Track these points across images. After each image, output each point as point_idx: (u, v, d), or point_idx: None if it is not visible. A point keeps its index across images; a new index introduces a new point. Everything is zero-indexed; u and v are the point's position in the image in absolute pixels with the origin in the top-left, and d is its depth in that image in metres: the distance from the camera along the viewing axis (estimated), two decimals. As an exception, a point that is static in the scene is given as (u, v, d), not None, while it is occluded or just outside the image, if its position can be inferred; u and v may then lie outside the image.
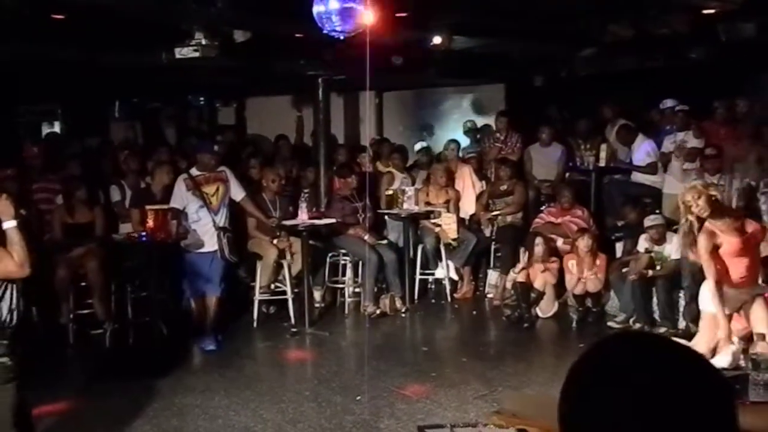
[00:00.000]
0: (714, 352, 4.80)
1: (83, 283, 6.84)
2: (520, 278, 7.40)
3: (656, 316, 6.92)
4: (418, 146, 9.54)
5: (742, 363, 5.07)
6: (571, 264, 7.38)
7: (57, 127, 11.77)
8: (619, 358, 1.02)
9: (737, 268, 4.66)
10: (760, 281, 5.05)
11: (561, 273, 7.47)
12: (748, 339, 4.86)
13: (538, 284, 7.37)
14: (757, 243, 4.87)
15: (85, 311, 6.84)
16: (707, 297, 4.81)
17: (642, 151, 8.53)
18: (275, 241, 7.41)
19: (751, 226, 4.78)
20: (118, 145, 9.87)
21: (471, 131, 10.13)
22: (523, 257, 7.47)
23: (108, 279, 6.89)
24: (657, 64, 8.79)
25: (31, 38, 6.44)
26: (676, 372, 0.98)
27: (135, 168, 8.04)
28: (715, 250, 4.60)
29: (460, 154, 9.13)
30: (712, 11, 6.67)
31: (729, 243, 4.57)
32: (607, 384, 0.99)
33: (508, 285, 7.64)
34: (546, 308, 7.47)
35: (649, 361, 0.99)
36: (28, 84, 9.07)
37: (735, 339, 5.22)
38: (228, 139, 10.18)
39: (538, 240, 7.49)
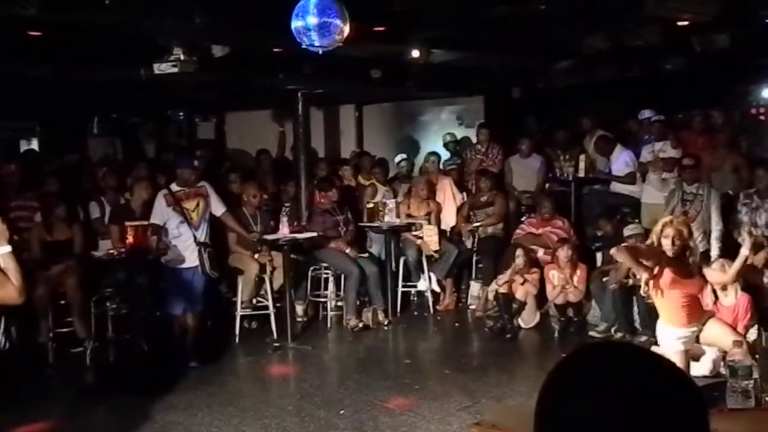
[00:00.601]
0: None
1: (62, 301, 6.77)
2: (502, 289, 7.42)
3: (637, 324, 6.96)
4: (398, 158, 9.57)
5: (722, 370, 5.12)
6: (552, 274, 7.42)
7: (35, 144, 11.70)
8: (592, 368, 1.03)
9: (669, 299, 4.72)
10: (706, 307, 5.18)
11: (542, 283, 7.50)
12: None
13: (519, 295, 7.40)
14: (699, 290, 4.91)
15: (65, 329, 6.76)
16: (665, 338, 4.86)
17: (620, 161, 8.60)
18: (256, 256, 7.39)
19: (696, 276, 4.80)
20: (98, 161, 9.82)
21: (450, 144, 10.18)
22: (503, 269, 7.48)
23: (87, 296, 6.82)
24: (634, 75, 8.90)
25: (7, 55, 6.40)
26: (648, 382, 0.99)
27: (114, 184, 7.99)
28: (651, 265, 4.67)
29: (441, 167, 9.18)
30: (686, 23, 6.77)
31: (666, 274, 4.65)
32: (580, 394, 1.00)
33: (490, 296, 7.66)
34: (528, 319, 7.50)
35: (621, 372, 1.00)
36: (5, 100, 8.99)
37: (713, 348, 5.28)
38: (207, 154, 10.15)
39: (519, 251, 7.52)
